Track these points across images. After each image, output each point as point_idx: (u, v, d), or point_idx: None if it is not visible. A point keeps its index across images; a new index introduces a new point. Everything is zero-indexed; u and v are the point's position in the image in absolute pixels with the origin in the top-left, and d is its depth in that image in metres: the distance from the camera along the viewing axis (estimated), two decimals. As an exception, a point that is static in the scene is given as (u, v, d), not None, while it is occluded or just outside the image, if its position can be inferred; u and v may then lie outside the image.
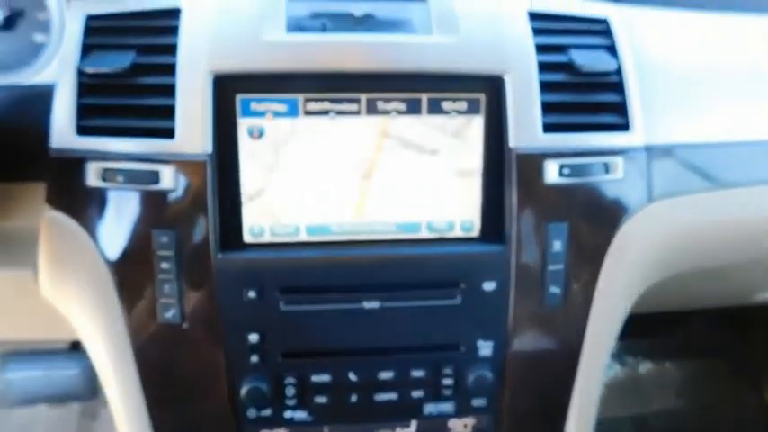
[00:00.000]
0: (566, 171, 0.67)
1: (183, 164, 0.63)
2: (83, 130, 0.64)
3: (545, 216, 0.67)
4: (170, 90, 0.64)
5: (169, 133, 0.63)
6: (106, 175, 0.63)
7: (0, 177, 0.67)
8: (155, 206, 0.63)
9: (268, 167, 0.67)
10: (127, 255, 0.64)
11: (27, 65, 0.66)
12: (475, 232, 0.70)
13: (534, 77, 0.68)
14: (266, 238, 0.68)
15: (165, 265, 0.63)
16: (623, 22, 0.75)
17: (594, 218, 0.68)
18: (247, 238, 0.68)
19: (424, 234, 0.70)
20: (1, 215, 0.68)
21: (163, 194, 0.63)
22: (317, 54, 0.65)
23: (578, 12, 0.74)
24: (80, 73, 0.65)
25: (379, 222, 0.69)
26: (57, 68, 0.66)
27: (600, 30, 0.73)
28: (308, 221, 0.68)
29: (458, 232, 0.70)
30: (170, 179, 0.63)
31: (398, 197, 0.69)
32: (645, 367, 1.60)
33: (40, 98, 0.64)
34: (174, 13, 0.67)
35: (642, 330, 1.13)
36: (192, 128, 0.63)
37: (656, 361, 1.60)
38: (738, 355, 1.55)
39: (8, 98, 0.65)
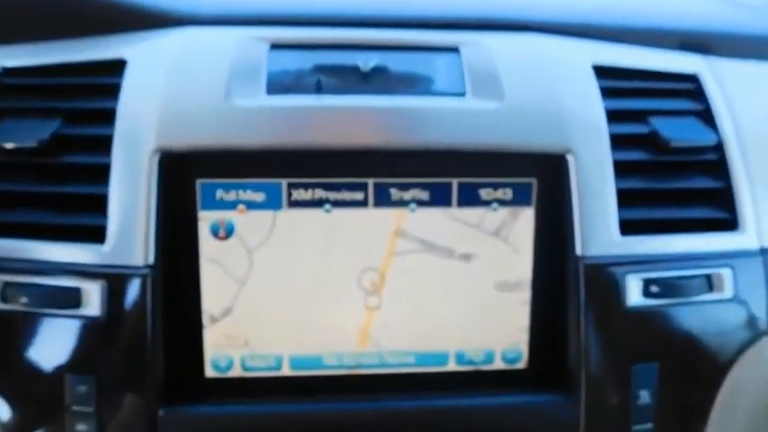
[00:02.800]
0: (653, 289, 0.48)
1: (116, 280, 0.45)
2: None
3: (627, 354, 0.48)
4: (102, 174, 0.46)
5: (98, 236, 0.45)
6: (6, 292, 0.45)
7: None
8: (72, 340, 0.45)
9: (239, 278, 0.48)
10: (29, 410, 0.45)
11: None
12: (521, 364, 0.51)
13: (606, 156, 0.49)
14: (236, 373, 0.50)
15: (81, 428, 0.44)
16: (715, 80, 0.56)
17: (696, 357, 0.49)
18: (210, 372, 0.49)
19: (453, 367, 0.51)
20: None
21: (85, 324, 0.45)
22: (307, 124, 0.47)
23: (659, 66, 0.55)
24: None
25: (391, 352, 0.50)
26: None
27: (689, 89, 0.55)
28: (294, 351, 0.50)
29: (499, 364, 0.51)
30: (96, 302, 0.44)
31: (418, 318, 0.50)
32: None
33: None
34: (117, 68, 0.49)
35: None
36: (130, 229, 0.45)
37: None
38: None
39: None
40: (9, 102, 0.49)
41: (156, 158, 0.46)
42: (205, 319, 0.49)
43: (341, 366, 0.50)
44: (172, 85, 0.48)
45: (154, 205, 0.45)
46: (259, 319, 0.49)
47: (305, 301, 0.49)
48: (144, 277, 0.44)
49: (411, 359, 0.51)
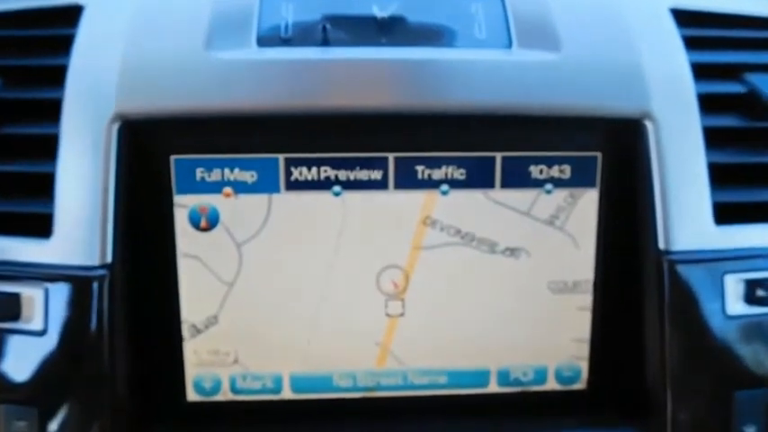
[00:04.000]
0: (760, 293, 0.37)
1: (63, 282, 0.35)
2: None
3: (728, 378, 0.37)
4: (49, 147, 0.36)
5: (41, 227, 0.35)
6: None
7: None
8: (9, 361, 0.35)
9: (225, 279, 0.38)
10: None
11: None
12: (580, 384, 0.41)
13: (695, 122, 0.38)
14: (224, 396, 0.40)
15: None
16: None
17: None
18: (192, 396, 0.40)
19: (495, 388, 0.41)
20: None
21: (25, 340, 0.35)
22: (309, 81, 0.37)
23: (753, 9, 0.44)
24: None
25: (418, 370, 0.40)
26: None
27: None
28: (296, 369, 0.40)
29: (552, 384, 0.41)
30: (39, 312, 0.35)
31: (450, 328, 0.40)
32: None
33: None
34: (70, 15, 0.39)
35: None
36: (84, 218, 0.35)
37: None
38: None
39: None
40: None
41: (116, 127, 0.36)
42: (185, 331, 0.39)
43: (355, 388, 0.40)
44: (136, 35, 0.37)
45: (112, 187, 0.35)
46: (252, 331, 0.39)
47: (309, 308, 0.39)
48: (100, 280, 0.34)
49: (442, 379, 0.41)
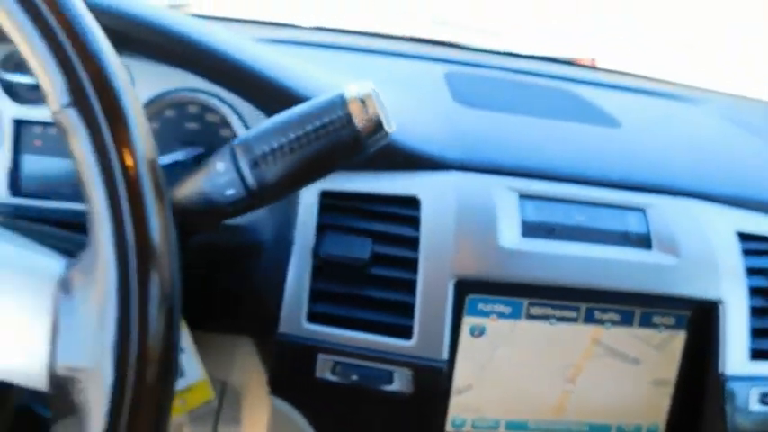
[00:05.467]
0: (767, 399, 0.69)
1: (420, 368, 0.63)
2: (314, 317, 0.63)
3: None
4: (409, 286, 0.63)
5: (405, 333, 0.63)
6: (338, 369, 0.62)
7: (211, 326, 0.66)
8: (385, 409, 0.63)
9: (481, 365, 0.67)
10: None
11: None
12: (658, 435, 0.73)
13: (745, 303, 0.70)
14: (467, 430, 0.69)
15: None
16: None
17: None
18: (449, 428, 0.68)
19: (613, 435, 0.72)
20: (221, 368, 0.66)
21: (393, 398, 0.63)
22: (548, 266, 0.66)
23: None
24: (315, 255, 0.63)
25: (574, 422, 0.71)
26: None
27: None
28: (509, 417, 0.69)
29: (641, 435, 0.72)
30: (407, 383, 0.62)
31: (596, 400, 0.70)
32: None
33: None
34: (413, 203, 0.66)
35: None
36: (432, 331, 0.63)
37: None
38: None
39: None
40: (327, 218, 0.65)
41: (452, 282, 0.64)
42: (453, 391, 0.67)
43: (538, 430, 0.70)
44: (457, 225, 0.65)
45: (449, 316, 0.63)
46: (489, 394, 0.68)
47: (523, 383, 0.68)
48: (440, 369, 0.63)
49: (586, 428, 0.71)
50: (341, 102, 0.48)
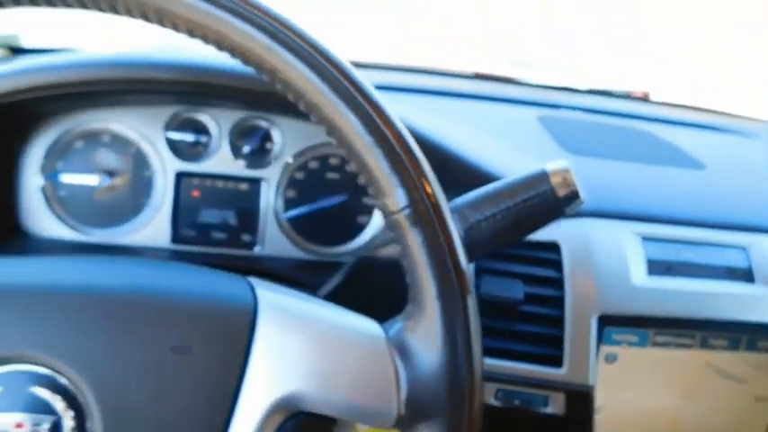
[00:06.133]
0: None
1: (571, 393, 0.72)
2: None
3: None
4: (556, 321, 0.73)
5: (556, 362, 0.72)
6: (499, 395, 0.71)
7: None
8: (541, 430, 0.72)
9: (613, 387, 0.77)
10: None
11: None
12: (757, 445, 0.83)
13: None
14: (597, 444, 0.79)
15: None
16: None
17: None
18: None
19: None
20: None
21: (548, 420, 0.72)
22: (669, 300, 0.76)
23: None
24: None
25: (687, 435, 0.81)
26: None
27: None
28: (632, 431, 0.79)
29: (742, 445, 0.83)
30: (560, 406, 0.72)
31: (704, 417, 0.81)
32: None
33: None
34: (554, 248, 0.76)
35: None
36: (580, 360, 0.72)
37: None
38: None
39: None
40: (483, 263, 0.75)
41: (596, 317, 0.73)
42: (595, 408, 0.77)
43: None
44: (594, 265, 0.75)
45: (594, 347, 0.73)
46: (619, 413, 0.78)
47: (645, 403, 0.78)
48: (588, 393, 0.73)
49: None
50: (545, 177, 0.57)
